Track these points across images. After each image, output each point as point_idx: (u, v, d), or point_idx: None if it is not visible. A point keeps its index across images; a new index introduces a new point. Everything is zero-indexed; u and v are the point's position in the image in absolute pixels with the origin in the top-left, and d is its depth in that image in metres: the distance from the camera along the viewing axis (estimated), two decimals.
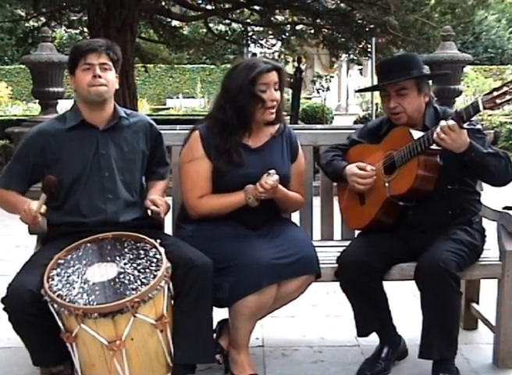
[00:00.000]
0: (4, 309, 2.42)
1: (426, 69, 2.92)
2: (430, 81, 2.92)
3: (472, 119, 2.57)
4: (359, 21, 10.06)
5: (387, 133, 2.89)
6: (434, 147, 2.64)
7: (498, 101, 2.49)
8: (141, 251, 2.50)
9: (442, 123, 2.56)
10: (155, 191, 2.83)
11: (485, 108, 2.51)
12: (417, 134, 2.71)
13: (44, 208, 2.54)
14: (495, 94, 2.50)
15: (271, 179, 2.62)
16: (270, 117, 2.78)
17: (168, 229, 3.05)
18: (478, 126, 2.75)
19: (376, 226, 2.87)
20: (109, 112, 2.74)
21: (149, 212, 2.73)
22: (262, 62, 2.76)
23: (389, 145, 2.83)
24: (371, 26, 9.70)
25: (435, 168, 2.70)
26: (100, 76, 2.65)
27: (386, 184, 2.79)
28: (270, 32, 12.25)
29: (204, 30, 12.58)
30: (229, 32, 12.50)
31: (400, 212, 2.81)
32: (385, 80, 2.80)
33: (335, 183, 3.25)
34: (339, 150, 3.05)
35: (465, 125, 2.55)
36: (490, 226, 2.97)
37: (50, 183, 2.57)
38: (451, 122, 2.53)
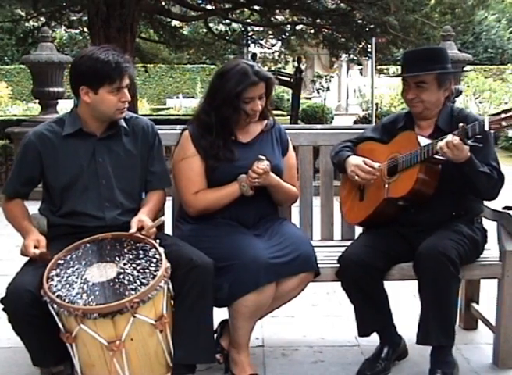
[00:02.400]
0: (3, 310, 2.43)
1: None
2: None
3: (477, 136, 2.55)
4: (359, 21, 10.06)
5: (403, 127, 2.91)
6: (437, 156, 2.66)
7: (504, 123, 2.50)
8: (141, 252, 2.49)
9: (449, 137, 2.57)
10: (147, 212, 2.67)
11: (490, 129, 2.51)
12: (423, 141, 2.74)
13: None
14: (502, 116, 2.51)
15: (262, 163, 2.68)
16: (253, 121, 2.82)
17: (168, 229, 3.05)
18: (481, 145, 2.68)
19: (371, 223, 2.93)
20: (109, 121, 2.70)
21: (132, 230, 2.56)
22: (253, 72, 2.72)
23: (395, 147, 2.86)
24: (371, 26, 9.70)
25: (434, 177, 2.73)
26: (128, 96, 2.61)
27: (386, 186, 2.82)
28: (270, 32, 12.25)
29: (204, 30, 12.58)
30: (229, 32, 12.50)
31: (396, 211, 2.84)
32: (408, 70, 2.83)
33: (335, 184, 3.26)
34: (351, 142, 3.08)
35: (469, 142, 2.56)
36: (490, 226, 2.98)
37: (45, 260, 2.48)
38: (456, 139, 2.55)
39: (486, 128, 2.50)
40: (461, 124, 2.57)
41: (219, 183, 2.77)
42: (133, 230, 2.55)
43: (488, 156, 2.73)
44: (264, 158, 2.70)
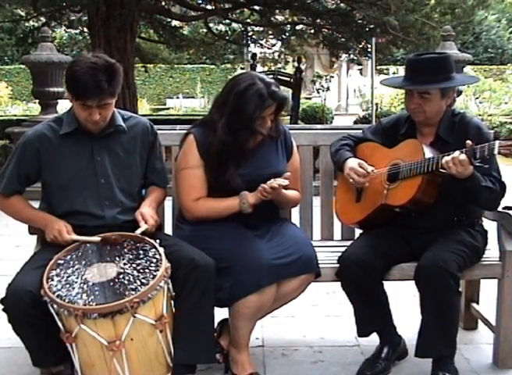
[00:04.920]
0: (3, 310, 2.43)
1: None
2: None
3: (486, 156, 2.52)
4: (359, 21, 10.05)
5: (406, 134, 2.89)
6: (440, 170, 2.64)
7: None
8: (141, 252, 2.49)
9: (456, 153, 2.55)
10: (149, 203, 2.73)
11: (499, 153, 2.50)
12: (428, 152, 2.72)
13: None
14: None
15: (279, 181, 2.64)
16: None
17: (168, 229, 3.05)
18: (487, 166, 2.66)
19: (365, 225, 2.95)
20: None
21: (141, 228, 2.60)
22: (269, 94, 2.67)
23: (398, 154, 2.85)
24: (371, 26, 9.68)
25: (435, 188, 2.72)
26: (98, 116, 2.56)
27: (385, 192, 2.82)
28: (270, 32, 12.24)
29: (204, 30, 12.57)
30: (229, 32, 12.49)
31: (392, 216, 2.84)
32: (411, 80, 2.78)
33: (335, 184, 3.26)
34: (352, 141, 3.06)
35: (476, 162, 2.54)
36: (490, 226, 2.97)
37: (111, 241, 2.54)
38: (463, 157, 2.53)
39: (496, 152, 2.48)
40: (469, 142, 2.54)
41: (221, 190, 2.74)
42: (140, 229, 2.57)
43: (490, 167, 2.70)
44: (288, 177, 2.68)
